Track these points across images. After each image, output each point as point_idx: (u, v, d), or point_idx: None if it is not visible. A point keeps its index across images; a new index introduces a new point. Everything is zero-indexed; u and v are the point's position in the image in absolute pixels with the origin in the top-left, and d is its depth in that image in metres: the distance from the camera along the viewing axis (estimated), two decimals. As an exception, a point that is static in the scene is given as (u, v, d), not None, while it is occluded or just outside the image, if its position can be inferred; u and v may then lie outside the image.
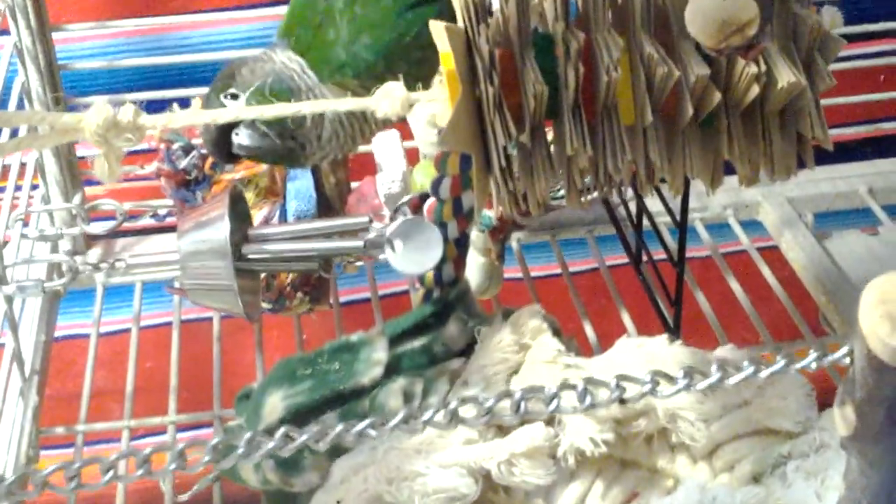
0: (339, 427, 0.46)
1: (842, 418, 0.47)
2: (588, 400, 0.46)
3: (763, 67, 0.54)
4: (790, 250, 1.00)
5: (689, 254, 0.85)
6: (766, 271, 0.97)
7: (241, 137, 0.70)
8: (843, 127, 1.13)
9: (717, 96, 0.55)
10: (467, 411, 0.47)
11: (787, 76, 0.54)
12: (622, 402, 0.47)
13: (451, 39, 0.56)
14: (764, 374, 0.46)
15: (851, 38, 1.16)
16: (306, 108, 0.59)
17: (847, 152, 1.19)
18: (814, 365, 0.46)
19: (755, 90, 0.54)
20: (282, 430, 0.46)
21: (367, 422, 0.46)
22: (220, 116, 0.57)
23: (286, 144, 0.71)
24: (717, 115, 0.57)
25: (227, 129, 0.70)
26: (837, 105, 1.06)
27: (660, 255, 0.90)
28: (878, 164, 1.10)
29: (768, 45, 0.54)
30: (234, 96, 0.70)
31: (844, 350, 0.46)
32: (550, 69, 0.57)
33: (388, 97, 0.58)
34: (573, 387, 0.47)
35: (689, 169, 0.58)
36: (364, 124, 0.74)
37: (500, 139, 0.55)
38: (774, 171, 0.58)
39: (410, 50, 0.71)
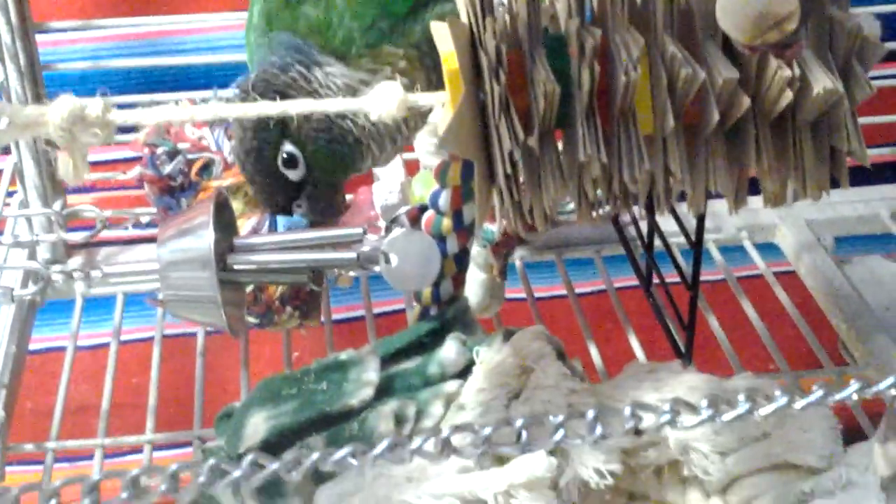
0: (315, 455, 0.41)
1: (884, 457, 0.42)
2: (598, 430, 0.41)
3: (797, 72, 0.50)
4: (808, 275, 0.96)
5: (701, 277, 0.81)
6: (783, 296, 0.93)
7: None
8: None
9: (746, 102, 0.50)
10: (461, 440, 0.42)
11: (823, 82, 0.50)
12: (637, 432, 0.42)
13: (454, 36, 0.51)
14: (799, 405, 0.41)
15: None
16: (294, 107, 0.54)
17: (867, 175, 1.15)
18: (854, 396, 0.41)
19: (788, 96, 0.50)
20: (249, 457, 0.41)
21: (347, 449, 0.42)
22: (198, 113, 0.52)
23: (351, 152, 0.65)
24: (744, 125, 0.52)
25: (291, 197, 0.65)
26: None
27: (670, 278, 0.86)
28: (900, 188, 1.06)
29: (804, 47, 0.49)
30: (292, 161, 0.63)
31: (890, 381, 0.41)
32: (563, 71, 0.52)
33: (383, 97, 0.53)
34: (582, 415, 0.42)
35: (712, 183, 0.54)
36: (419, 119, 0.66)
37: (505, 143, 0.50)
38: (806, 189, 0.53)
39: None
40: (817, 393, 0.41)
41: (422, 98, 0.54)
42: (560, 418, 0.41)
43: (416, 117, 0.66)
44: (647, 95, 0.52)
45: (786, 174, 0.54)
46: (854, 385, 0.41)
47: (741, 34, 0.44)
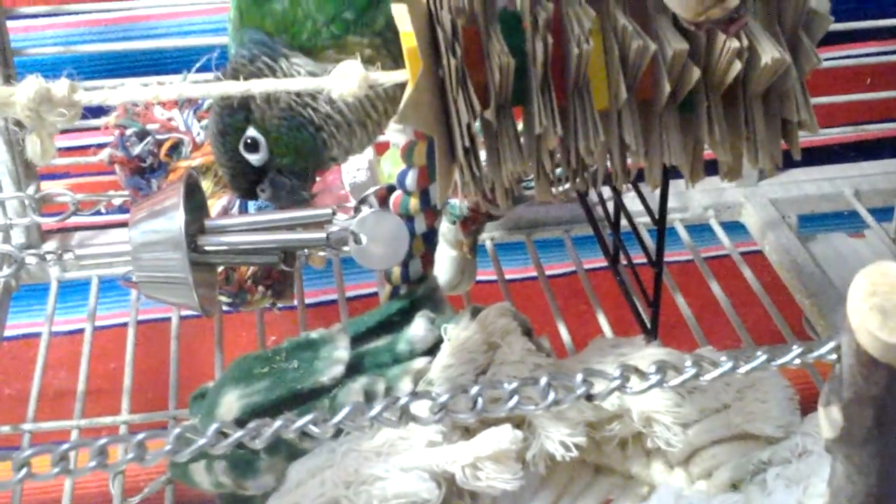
0: (278, 423, 0.42)
1: (827, 420, 0.43)
2: (551, 396, 0.42)
3: (745, 43, 0.51)
4: (773, 252, 0.97)
5: (669, 258, 0.82)
6: (749, 274, 0.94)
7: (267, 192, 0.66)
8: (827, 129, 1.10)
9: (696, 73, 0.51)
10: (419, 408, 0.43)
11: (770, 52, 0.51)
12: (589, 398, 0.43)
13: (412, 14, 0.53)
14: (743, 370, 0.43)
15: (836, 40, 1.14)
16: (257, 86, 0.55)
17: (831, 155, 1.16)
18: (797, 361, 0.42)
19: (737, 67, 0.51)
20: (213, 426, 0.42)
21: (308, 417, 0.43)
22: (163, 93, 0.53)
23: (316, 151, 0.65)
24: (696, 97, 0.53)
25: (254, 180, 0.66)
26: (822, 106, 1.03)
27: (639, 258, 0.87)
28: (864, 167, 1.07)
29: (750, 21, 0.51)
30: (254, 145, 0.64)
31: (831, 345, 0.42)
32: (518, 47, 0.53)
33: (345, 76, 0.54)
34: (535, 382, 0.43)
35: (667, 156, 0.55)
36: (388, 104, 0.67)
37: (463, 116, 0.51)
38: (758, 160, 0.55)
39: None
40: (760, 358, 0.42)
41: (382, 76, 0.55)
42: (514, 385, 0.43)
43: (386, 102, 0.66)
44: (601, 70, 0.53)
45: (738, 146, 0.55)
46: (795, 350, 0.42)
47: (685, 11, 0.45)
